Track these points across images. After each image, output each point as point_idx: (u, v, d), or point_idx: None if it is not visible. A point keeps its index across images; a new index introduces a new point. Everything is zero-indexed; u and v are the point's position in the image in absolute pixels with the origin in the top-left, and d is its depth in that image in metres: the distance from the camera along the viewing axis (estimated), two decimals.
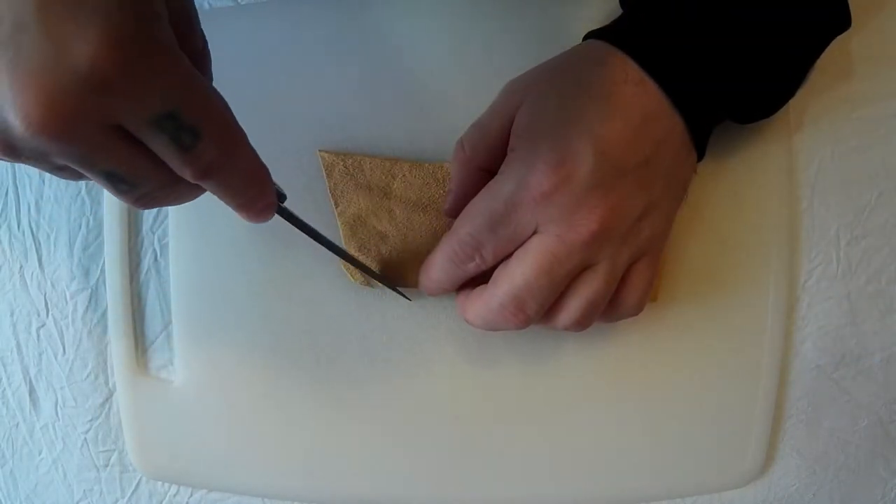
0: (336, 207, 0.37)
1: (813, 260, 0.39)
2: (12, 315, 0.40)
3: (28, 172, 0.40)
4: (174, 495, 0.40)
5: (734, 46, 0.30)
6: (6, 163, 0.40)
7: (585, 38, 0.33)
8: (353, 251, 0.37)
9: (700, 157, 0.33)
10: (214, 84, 0.37)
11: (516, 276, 0.30)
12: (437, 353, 0.38)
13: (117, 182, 0.22)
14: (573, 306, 0.31)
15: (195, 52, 0.26)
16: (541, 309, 0.31)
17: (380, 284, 0.38)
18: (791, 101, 0.35)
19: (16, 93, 0.19)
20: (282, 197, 0.30)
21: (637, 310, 0.33)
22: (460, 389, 0.38)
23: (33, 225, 0.40)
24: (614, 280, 0.31)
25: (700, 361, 0.38)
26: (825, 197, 0.38)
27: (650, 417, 0.38)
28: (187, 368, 0.39)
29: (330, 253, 0.38)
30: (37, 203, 0.40)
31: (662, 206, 0.32)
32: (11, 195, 0.40)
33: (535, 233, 0.30)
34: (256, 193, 0.26)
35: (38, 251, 0.40)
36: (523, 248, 0.30)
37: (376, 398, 0.38)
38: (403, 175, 0.37)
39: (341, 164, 0.37)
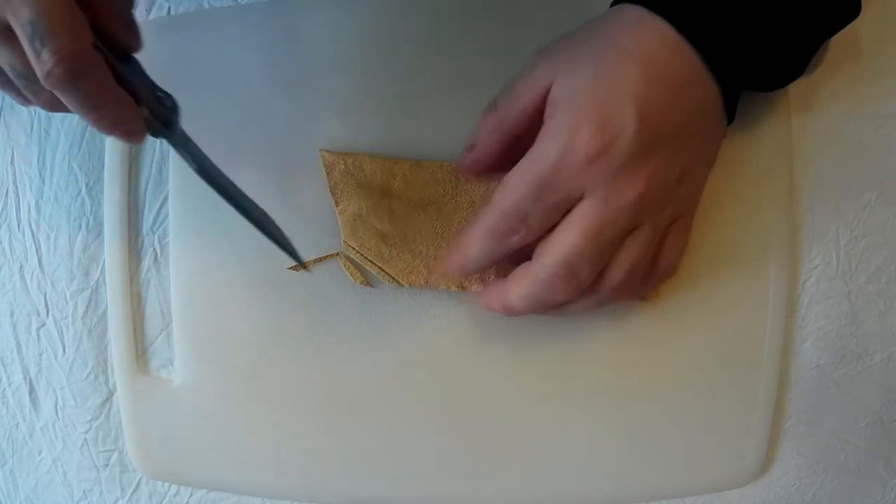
0: (336, 206, 0.37)
1: (813, 260, 0.39)
2: (12, 315, 0.40)
3: (28, 172, 0.40)
4: (174, 495, 0.40)
5: (765, 9, 0.30)
6: (6, 163, 0.40)
7: (614, 3, 0.33)
8: (353, 251, 0.37)
9: (729, 121, 0.33)
10: (214, 83, 0.37)
11: (564, 244, 0.30)
12: (437, 352, 0.38)
13: (17, 75, 0.27)
14: (618, 270, 0.32)
15: None
16: (593, 273, 0.31)
17: (379, 284, 0.38)
18: (791, 101, 0.35)
19: None
20: (172, 118, 0.30)
21: (673, 271, 0.34)
22: (460, 389, 0.38)
23: (33, 225, 0.40)
24: (655, 241, 0.32)
25: (700, 361, 0.38)
26: (825, 197, 0.38)
27: (650, 417, 0.38)
28: (187, 368, 0.39)
29: (329, 253, 0.38)
30: (37, 203, 0.40)
31: (697, 169, 0.32)
32: (11, 195, 0.40)
33: (579, 199, 0.30)
34: (115, 116, 0.28)
35: (38, 251, 0.40)
36: (570, 216, 0.30)
37: (376, 398, 0.38)
38: (403, 174, 0.37)
39: (341, 163, 0.37)
